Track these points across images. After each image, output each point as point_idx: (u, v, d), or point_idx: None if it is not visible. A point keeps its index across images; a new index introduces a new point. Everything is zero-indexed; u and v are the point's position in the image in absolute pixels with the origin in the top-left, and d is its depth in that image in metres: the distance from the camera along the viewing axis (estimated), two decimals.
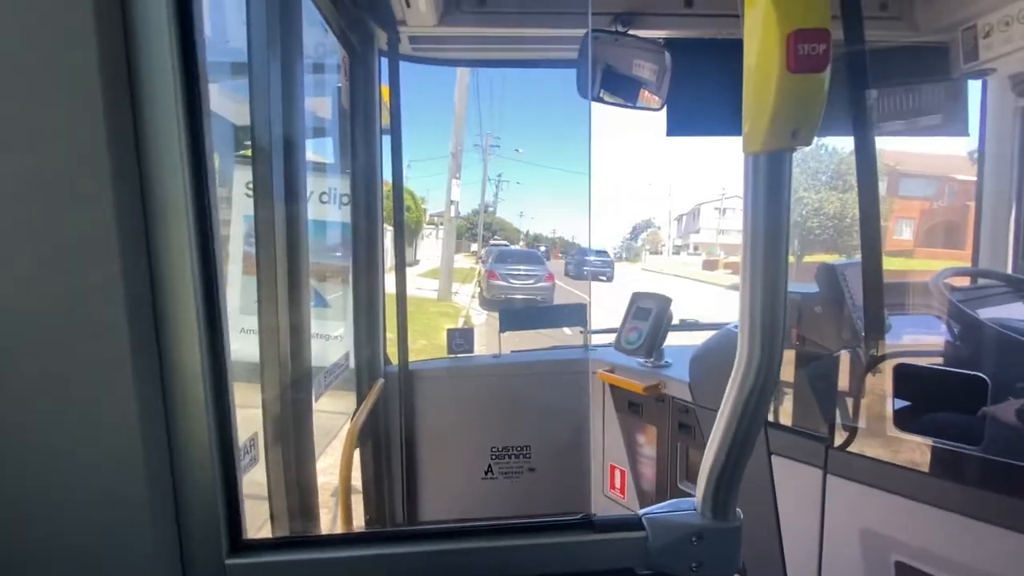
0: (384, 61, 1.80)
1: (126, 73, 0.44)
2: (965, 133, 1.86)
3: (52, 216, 0.44)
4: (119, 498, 0.47)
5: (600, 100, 1.79)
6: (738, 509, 0.53)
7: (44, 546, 0.47)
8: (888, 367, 1.18)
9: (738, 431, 0.49)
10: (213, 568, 0.50)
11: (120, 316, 0.44)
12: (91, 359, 0.45)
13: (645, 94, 1.91)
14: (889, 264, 1.25)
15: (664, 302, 1.69)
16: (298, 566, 0.51)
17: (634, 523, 0.55)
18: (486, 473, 1.81)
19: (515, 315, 1.98)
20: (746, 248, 0.46)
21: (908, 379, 1.17)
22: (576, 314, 2.12)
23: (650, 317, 1.67)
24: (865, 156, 1.27)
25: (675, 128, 1.82)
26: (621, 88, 1.82)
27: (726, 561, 0.53)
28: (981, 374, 1.07)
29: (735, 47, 0.44)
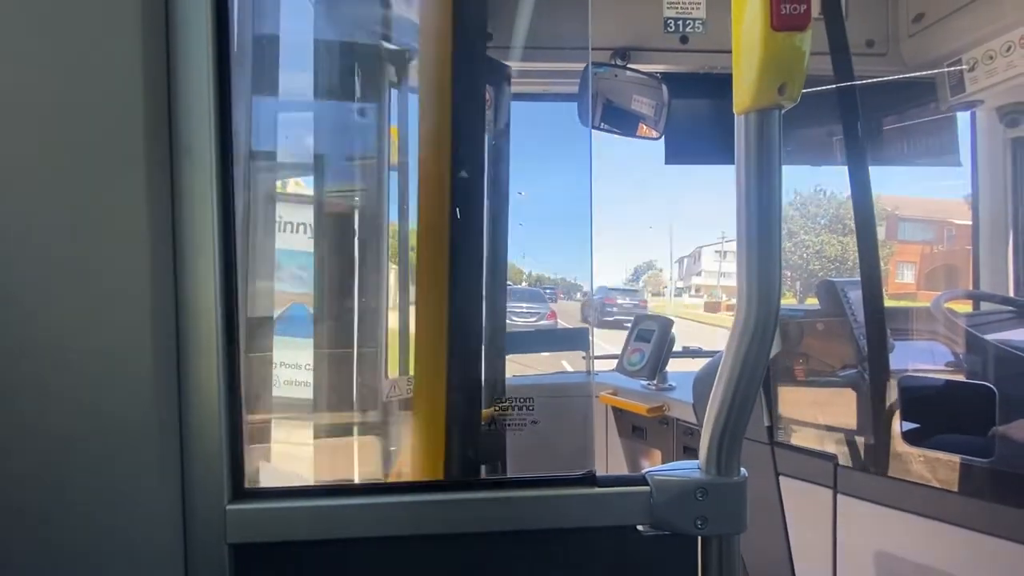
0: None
1: (165, 93, 0.49)
2: (957, 164, 1.91)
3: (86, 220, 0.47)
4: (125, 442, 0.47)
5: (601, 129, 1.86)
6: (742, 469, 0.52)
7: (46, 482, 0.47)
8: (893, 381, 1.17)
9: (738, 385, 0.49)
10: (214, 513, 0.50)
11: (141, 263, 0.46)
12: (107, 303, 0.47)
13: (643, 127, 1.98)
14: (892, 305, 1.27)
15: (666, 323, 1.69)
16: (298, 513, 0.51)
17: (637, 480, 0.54)
18: None
19: (516, 338, 1.97)
20: (740, 208, 0.47)
21: (913, 392, 1.16)
22: (578, 338, 2.11)
23: (652, 338, 1.67)
24: (859, 182, 1.31)
25: (673, 156, 1.88)
26: (621, 121, 1.90)
27: (733, 517, 0.52)
28: (988, 384, 1.06)
29: (728, 81, 0.48)
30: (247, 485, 0.52)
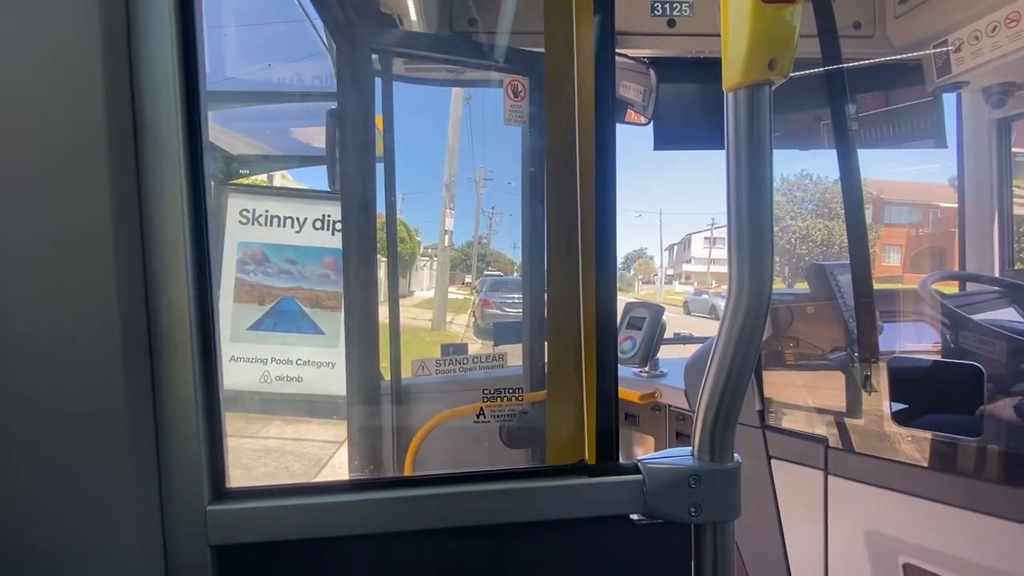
0: (378, 81, 1.84)
1: (128, 81, 0.46)
2: (944, 145, 1.91)
3: (50, 215, 0.45)
4: (97, 445, 0.46)
5: None
6: (736, 455, 0.51)
7: (16, 488, 0.45)
8: (883, 362, 1.17)
9: (730, 371, 0.48)
10: (194, 514, 0.48)
11: (109, 260, 0.44)
12: (76, 307, 0.45)
13: (631, 113, 1.97)
14: (880, 287, 1.27)
15: (657, 311, 1.69)
16: (281, 512, 0.50)
17: (630, 468, 0.54)
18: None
19: (509, 329, 1.97)
20: (730, 188, 0.46)
21: (903, 373, 1.17)
22: None
23: (644, 326, 1.67)
24: (847, 164, 1.30)
25: (661, 142, 1.87)
26: None
27: (726, 504, 0.52)
28: (976, 363, 1.06)
29: (716, 65, 0.46)
30: (228, 485, 0.51)
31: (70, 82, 0.44)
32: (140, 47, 0.45)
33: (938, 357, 1.37)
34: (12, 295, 0.44)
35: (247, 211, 3.42)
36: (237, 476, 0.53)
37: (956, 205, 2.04)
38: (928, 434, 1.08)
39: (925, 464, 1.07)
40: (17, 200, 0.44)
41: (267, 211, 3.46)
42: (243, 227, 3.48)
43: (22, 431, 0.45)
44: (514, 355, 1.97)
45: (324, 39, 1.61)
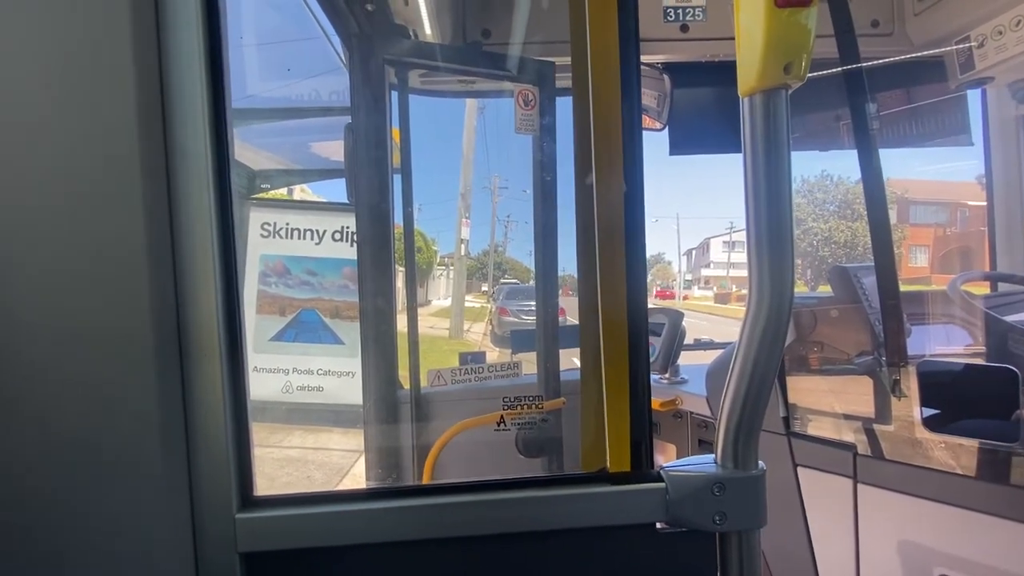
0: (394, 95, 1.87)
1: (159, 101, 0.49)
2: (969, 143, 1.87)
3: (85, 229, 0.47)
4: (131, 454, 0.47)
5: None
6: (760, 462, 0.51)
7: (50, 497, 0.47)
8: (912, 366, 1.14)
9: (753, 377, 0.47)
10: (223, 523, 0.50)
11: (140, 270, 0.46)
12: (110, 318, 0.46)
13: (646, 119, 1.96)
14: (906, 289, 1.24)
15: (676, 316, 1.68)
16: (308, 520, 0.51)
17: (653, 476, 0.53)
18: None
19: (527, 336, 1.97)
20: (748, 194, 0.46)
21: (934, 377, 1.13)
22: None
23: (663, 331, 1.66)
24: (869, 164, 1.28)
25: (677, 147, 1.86)
26: None
27: (751, 511, 0.51)
28: (1010, 366, 1.03)
29: (730, 68, 0.46)
30: (256, 493, 0.52)
31: (105, 103, 0.46)
32: (170, 69, 0.47)
33: (970, 360, 1.33)
34: (46, 307, 0.46)
35: (268, 224, 3.50)
36: (260, 486, 0.54)
37: (985, 203, 1.98)
38: (962, 440, 1.05)
39: (959, 471, 1.03)
40: (53, 215, 0.46)
41: (288, 224, 3.53)
42: (264, 240, 3.56)
43: (55, 440, 0.47)
44: (529, 363, 1.96)
45: (341, 55, 1.65)
